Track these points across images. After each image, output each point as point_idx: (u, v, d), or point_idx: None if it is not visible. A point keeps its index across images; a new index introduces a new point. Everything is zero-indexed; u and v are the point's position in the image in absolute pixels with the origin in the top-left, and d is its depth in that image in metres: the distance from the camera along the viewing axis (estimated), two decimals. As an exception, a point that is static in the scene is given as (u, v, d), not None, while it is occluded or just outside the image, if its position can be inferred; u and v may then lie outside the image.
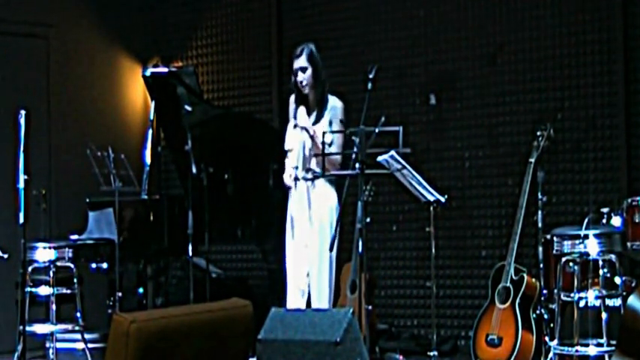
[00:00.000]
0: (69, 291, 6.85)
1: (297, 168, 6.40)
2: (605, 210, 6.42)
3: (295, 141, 6.41)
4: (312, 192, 6.36)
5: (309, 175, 6.35)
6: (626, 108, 7.14)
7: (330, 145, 6.25)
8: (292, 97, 6.52)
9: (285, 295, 6.44)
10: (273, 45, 8.65)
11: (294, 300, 6.35)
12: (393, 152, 6.19)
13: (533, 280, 6.62)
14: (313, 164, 6.38)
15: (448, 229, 7.72)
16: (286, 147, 6.45)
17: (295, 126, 6.41)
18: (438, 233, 6.91)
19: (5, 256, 6.58)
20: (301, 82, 6.36)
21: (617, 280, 6.14)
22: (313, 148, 6.34)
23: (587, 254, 6.03)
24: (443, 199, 6.54)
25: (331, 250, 6.23)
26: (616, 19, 7.17)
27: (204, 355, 3.49)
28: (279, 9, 8.68)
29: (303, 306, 6.33)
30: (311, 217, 6.34)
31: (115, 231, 7.12)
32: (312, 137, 6.32)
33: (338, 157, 6.33)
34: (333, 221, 6.32)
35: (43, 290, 6.84)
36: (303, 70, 6.37)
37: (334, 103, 6.42)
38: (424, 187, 6.51)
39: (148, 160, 7.75)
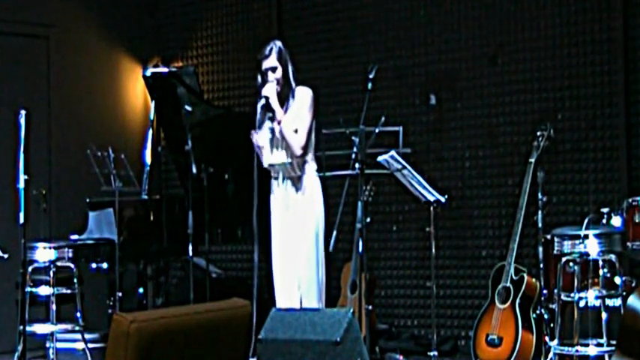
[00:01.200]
0: (69, 291, 6.85)
1: (272, 165, 6.32)
2: (605, 210, 6.42)
3: (266, 139, 6.33)
4: (301, 186, 6.28)
5: (295, 174, 6.28)
6: (626, 108, 7.14)
7: (295, 131, 6.19)
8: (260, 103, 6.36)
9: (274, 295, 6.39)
10: (273, 45, 8.64)
11: (284, 301, 6.29)
12: (393, 152, 6.19)
13: (534, 280, 6.62)
14: (283, 157, 6.29)
15: (448, 229, 7.72)
16: (260, 144, 6.34)
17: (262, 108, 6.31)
18: (438, 233, 6.91)
19: (5, 256, 6.58)
20: (271, 82, 6.21)
21: (617, 280, 6.13)
22: (282, 143, 6.25)
23: (587, 254, 6.03)
24: (443, 199, 6.55)
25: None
26: (616, 19, 7.17)
27: (204, 355, 3.49)
28: (279, 9, 8.68)
29: (293, 305, 6.28)
30: (296, 216, 6.28)
31: (115, 231, 7.12)
32: (269, 108, 6.14)
33: (301, 140, 6.19)
34: (320, 219, 6.26)
35: (43, 290, 6.83)
36: (273, 70, 6.22)
37: (302, 92, 6.26)
38: (424, 187, 6.51)
39: (148, 160, 7.75)
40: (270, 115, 6.22)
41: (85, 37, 8.91)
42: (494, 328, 6.62)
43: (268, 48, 6.27)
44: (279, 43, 6.30)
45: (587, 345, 6.04)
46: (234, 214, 7.69)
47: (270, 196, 6.39)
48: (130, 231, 7.29)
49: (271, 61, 6.23)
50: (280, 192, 6.31)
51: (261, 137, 6.30)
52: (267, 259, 7.55)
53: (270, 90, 6.20)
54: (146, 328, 3.27)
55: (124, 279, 7.33)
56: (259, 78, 6.31)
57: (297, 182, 6.28)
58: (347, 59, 8.26)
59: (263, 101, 6.20)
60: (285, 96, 6.26)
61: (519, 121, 7.53)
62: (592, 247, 6.02)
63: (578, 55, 7.32)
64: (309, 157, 6.30)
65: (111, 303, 7.29)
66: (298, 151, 6.19)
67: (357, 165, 6.11)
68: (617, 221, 6.30)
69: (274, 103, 6.18)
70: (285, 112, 6.23)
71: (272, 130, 6.27)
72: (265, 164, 6.32)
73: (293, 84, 6.28)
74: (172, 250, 7.48)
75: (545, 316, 6.49)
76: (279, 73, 6.23)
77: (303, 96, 6.26)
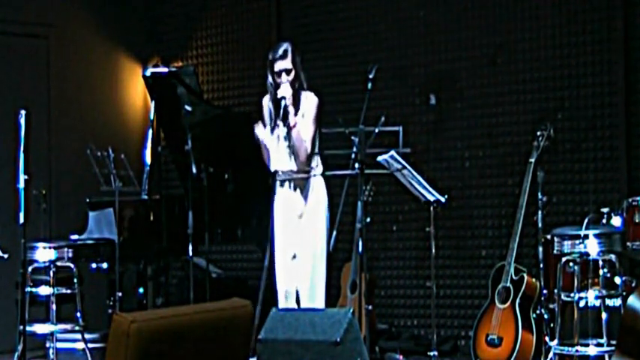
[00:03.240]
0: (69, 291, 6.85)
1: (276, 172, 6.32)
2: (605, 210, 6.42)
3: (272, 141, 6.30)
4: (307, 188, 6.28)
5: (300, 175, 6.27)
6: (626, 108, 7.14)
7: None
8: (266, 99, 6.36)
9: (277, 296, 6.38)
10: (273, 45, 8.63)
11: (285, 302, 6.27)
12: (393, 152, 6.20)
13: (534, 280, 6.62)
14: (289, 163, 6.30)
15: (448, 229, 7.72)
16: (267, 144, 6.32)
17: (271, 120, 6.29)
18: (438, 233, 6.91)
19: (5, 256, 6.58)
20: (286, 84, 6.20)
21: (617, 280, 6.14)
22: (291, 146, 6.24)
23: (587, 254, 6.03)
24: (443, 199, 6.55)
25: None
26: (616, 19, 7.17)
27: (204, 355, 3.49)
28: (279, 9, 8.68)
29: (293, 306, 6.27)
30: (302, 217, 6.28)
31: (115, 231, 7.12)
32: (286, 111, 6.15)
33: (308, 148, 6.19)
34: (325, 219, 6.26)
35: (43, 290, 6.83)
36: (288, 72, 6.21)
37: (309, 98, 6.26)
38: (424, 187, 6.51)
39: (148, 160, 7.74)
40: (282, 118, 6.20)
41: (85, 37, 8.91)
42: (494, 328, 6.62)
43: (282, 49, 6.24)
44: (291, 45, 6.27)
45: (587, 345, 6.04)
46: (234, 214, 7.68)
47: (273, 197, 6.38)
48: (130, 231, 7.29)
49: (287, 63, 6.20)
50: (285, 196, 6.31)
51: (267, 138, 6.30)
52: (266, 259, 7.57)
53: (287, 91, 6.17)
54: (146, 328, 3.27)
55: (124, 279, 7.32)
56: (270, 78, 6.28)
57: (302, 187, 6.27)
58: (347, 59, 8.26)
59: (283, 102, 6.16)
60: (296, 99, 6.25)
61: (519, 121, 7.53)
62: (592, 247, 6.02)
63: (578, 55, 7.32)
64: (315, 162, 6.30)
65: (111, 303, 7.28)
66: (303, 158, 6.20)
67: (356, 165, 6.11)
68: (617, 221, 6.31)
69: (290, 106, 6.17)
70: (294, 116, 6.22)
71: (278, 136, 6.27)
72: (272, 167, 6.32)
73: (303, 88, 6.27)
74: (172, 250, 7.48)
75: (545, 316, 6.49)
76: (292, 75, 6.21)
77: (310, 105, 6.25)
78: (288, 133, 6.21)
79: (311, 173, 6.27)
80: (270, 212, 6.39)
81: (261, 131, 6.33)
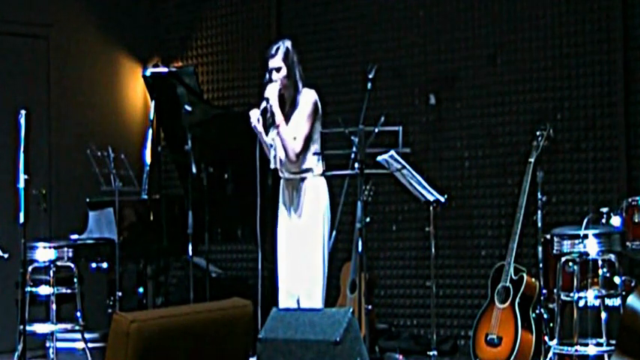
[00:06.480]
0: (69, 291, 6.86)
1: (276, 169, 6.30)
2: (604, 210, 6.43)
3: (271, 139, 6.27)
4: (302, 189, 6.25)
5: (293, 175, 6.25)
6: (625, 108, 7.14)
7: (294, 138, 6.16)
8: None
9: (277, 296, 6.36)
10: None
11: (286, 302, 6.26)
12: (392, 152, 6.20)
13: (533, 279, 6.63)
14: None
15: (448, 229, 7.73)
16: (265, 139, 6.28)
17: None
18: (438, 233, 6.91)
19: (5, 255, 6.59)
20: (275, 82, 6.16)
21: (617, 279, 6.14)
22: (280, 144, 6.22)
23: (587, 254, 6.03)
24: (443, 199, 6.55)
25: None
26: (616, 19, 7.18)
27: (204, 354, 3.49)
28: (279, 9, 8.68)
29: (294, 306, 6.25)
30: (301, 215, 6.25)
31: (115, 231, 7.13)
32: (271, 112, 6.10)
33: (297, 147, 6.12)
34: (326, 217, 6.23)
35: (43, 290, 6.84)
36: (278, 70, 6.15)
37: (305, 97, 6.18)
38: (424, 187, 6.52)
39: (148, 160, 7.75)
40: (270, 119, 6.18)
41: (85, 37, 8.92)
42: (493, 328, 6.63)
43: (275, 47, 6.20)
44: (287, 43, 6.21)
45: (586, 345, 6.04)
46: (234, 213, 7.69)
47: (278, 196, 6.37)
48: (129, 231, 7.30)
49: (276, 61, 6.16)
50: (286, 196, 6.29)
51: (270, 90, 6.23)
52: (267, 258, 7.58)
53: (272, 91, 6.17)
54: (146, 328, 3.28)
55: (124, 279, 7.33)
56: (266, 76, 6.28)
57: (296, 188, 6.22)
58: (347, 59, 8.27)
59: (264, 103, 6.15)
60: (289, 98, 6.23)
61: (519, 121, 7.54)
62: (591, 246, 6.02)
63: (578, 55, 7.33)
64: (313, 162, 6.23)
65: (111, 303, 7.29)
66: (292, 158, 6.12)
67: (356, 165, 6.10)
68: (616, 221, 6.31)
69: (275, 105, 6.15)
70: (291, 115, 6.19)
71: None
72: (272, 165, 6.29)
73: (300, 85, 6.24)
74: (172, 250, 7.49)
75: (545, 316, 6.50)
76: (283, 73, 6.17)
77: (305, 102, 6.16)
78: (278, 133, 6.19)
79: (308, 174, 6.24)
80: (276, 212, 6.36)
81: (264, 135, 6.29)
